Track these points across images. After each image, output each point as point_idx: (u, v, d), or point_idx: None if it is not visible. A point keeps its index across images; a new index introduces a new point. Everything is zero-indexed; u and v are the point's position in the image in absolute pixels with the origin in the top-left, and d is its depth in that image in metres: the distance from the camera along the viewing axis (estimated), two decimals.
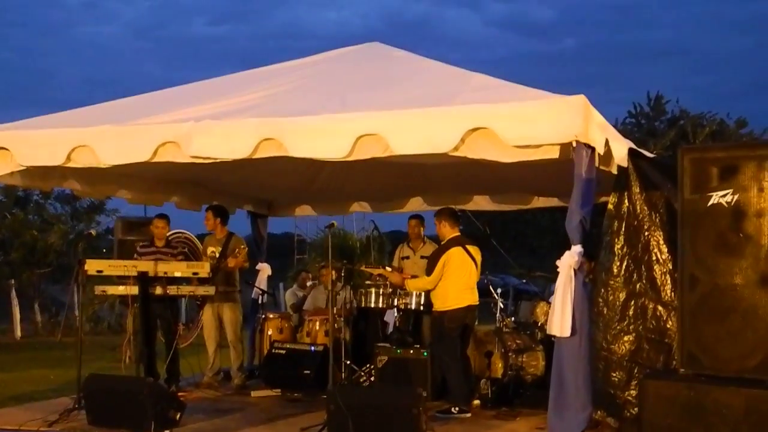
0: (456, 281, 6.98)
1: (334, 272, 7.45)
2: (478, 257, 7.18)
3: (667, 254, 5.66)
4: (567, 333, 5.23)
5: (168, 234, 8.34)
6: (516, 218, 24.32)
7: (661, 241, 5.71)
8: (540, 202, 9.75)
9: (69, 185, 7.59)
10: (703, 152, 5.23)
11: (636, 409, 5.28)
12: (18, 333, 16.82)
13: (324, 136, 5.46)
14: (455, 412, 6.74)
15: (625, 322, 5.71)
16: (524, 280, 10.39)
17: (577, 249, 5.25)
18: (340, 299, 8.25)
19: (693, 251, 4.87)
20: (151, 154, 5.87)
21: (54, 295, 18.29)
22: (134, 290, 7.28)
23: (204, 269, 7.53)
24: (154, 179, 8.37)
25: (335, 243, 14.88)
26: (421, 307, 7.60)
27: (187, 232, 11.47)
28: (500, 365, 7.58)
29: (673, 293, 5.52)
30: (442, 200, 9.18)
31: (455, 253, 7.01)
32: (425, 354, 7.38)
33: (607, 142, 5.33)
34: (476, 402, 7.12)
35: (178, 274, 7.48)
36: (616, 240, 5.79)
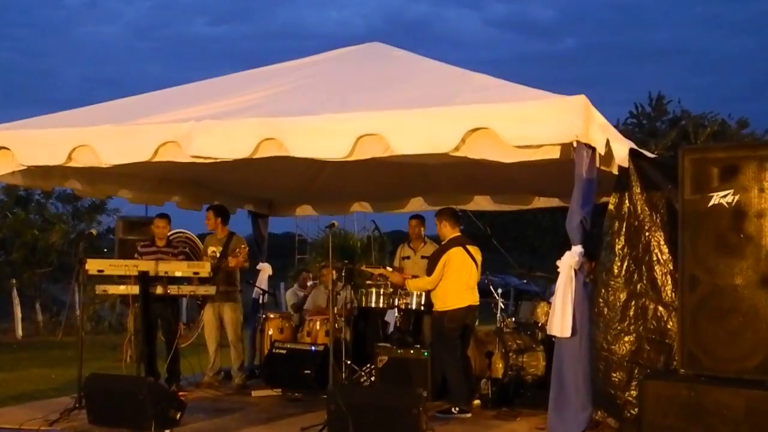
0: (456, 281, 6.98)
1: (334, 272, 7.45)
2: (479, 257, 7.18)
3: (668, 255, 5.66)
4: (567, 333, 5.23)
5: (169, 233, 8.34)
6: (517, 218, 24.34)
7: (662, 242, 5.71)
8: (541, 202, 9.75)
9: (70, 185, 7.60)
10: (703, 153, 5.23)
11: (636, 409, 5.28)
12: (19, 332, 16.84)
13: (324, 136, 5.46)
14: (455, 412, 6.74)
15: (626, 323, 5.71)
16: (525, 281, 10.38)
17: (577, 249, 5.25)
18: (341, 299, 8.25)
19: (693, 252, 4.87)
20: (151, 153, 5.88)
21: (55, 294, 18.32)
22: (135, 290, 7.27)
23: (205, 269, 7.53)
24: (155, 179, 8.37)
25: (336, 243, 14.92)
26: (422, 307, 7.60)
27: (188, 232, 11.47)
28: (501, 365, 7.58)
29: (673, 294, 5.52)
30: (443, 200, 9.18)
31: (456, 254, 7.01)
32: (426, 354, 7.37)
33: (607, 143, 5.33)
34: (476, 402, 7.12)
35: (178, 274, 7.47)
36: (617, 240, 5.79)
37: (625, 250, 5.79)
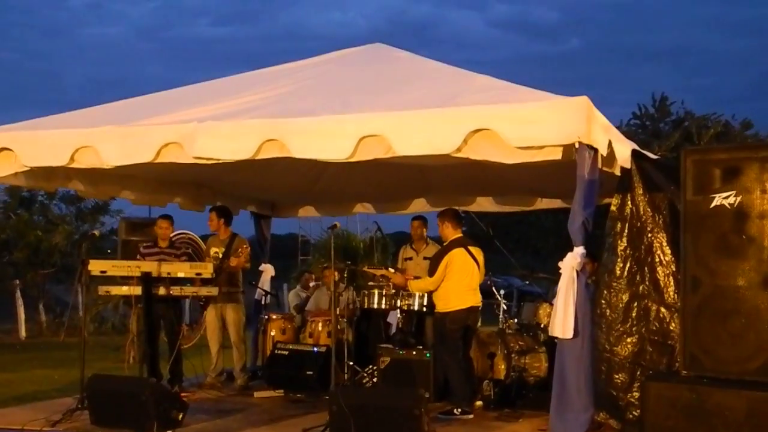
0: (458, 282, 6.97)
1: (336, 273, 7.46)
2: (481, 258, 7.18)
3: (671, 256, 5.66)
4: (569, 335, 5.22)
5: (172, 235, 8.35)
6: (520, 220, 24.30)
7: (664, 243, 5.71)
8: (543, 203, 9.75)
9: (73, 186, 7.61)
10: (705, 154, 5.22)
11: (638, 411, 5.27)
12: (23, 333, 16.89)
13: (327, 137, 5.46)
14: (458, 413, 6.73)
15: (628, 324, 5.71)
16: (527, 282, 10.37)
17: (579, 250, 5.24)
18: (343, 300, 8.25)
19: (695, 253, 4.86)
20: (154, 154, 5.88)
21: (58, 295, 18.36)
22: (138, 291, 7.28)
23: (207, 270, 7.53)
24: (158, 180, 8.38)
25: (339, 244, 14.94)
26: (424, 309, 7.59)
27: (191, 233, 11.47)
28: (503, 367, 7.57)
29: (676, 295, 5.51)
30: (446, 201, 9.17)
31: (457, 255, 7.01)
32: (428, 355, 7.37)
33: (610, 144, 5.33)
34: (479, 403, 7.11)
35: (181, 275, 7.47)
36: (619, 241, 5.79)
37: (628, 251, 5.79)
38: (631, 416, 5.49)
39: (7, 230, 17.50)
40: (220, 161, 5.80)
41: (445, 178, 8.64)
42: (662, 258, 5.70)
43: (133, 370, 7.73)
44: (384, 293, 7.88)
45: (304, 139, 5.53)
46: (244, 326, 8.49)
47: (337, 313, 7.42)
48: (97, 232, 11.43)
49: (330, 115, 5.58)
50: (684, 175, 4.93)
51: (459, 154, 5.24)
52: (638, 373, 5.58)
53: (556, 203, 9.51)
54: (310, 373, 7.83)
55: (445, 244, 7.23)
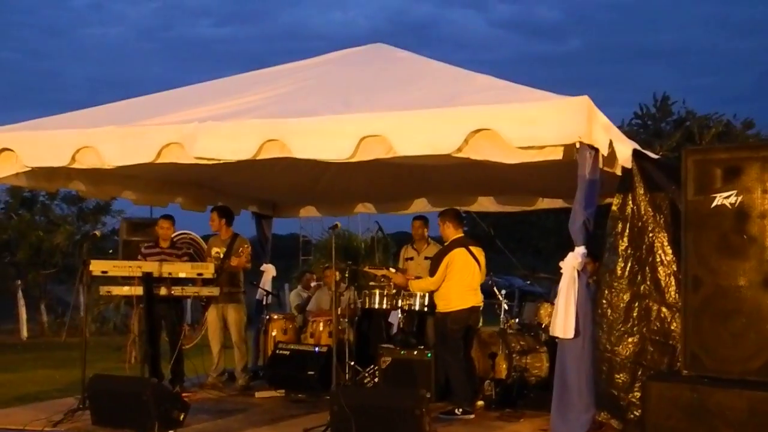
0: (459, 282, 6.97)
1: (338, 273, 7.46)
2: (482, 258, 7.18)
3: (672, 256, 5.64)
4: (570, 335, 5.22)
5: (173, 235, 8.36)
6: (521, 220, 24.26)
7: (666, 243, 5.70)
8: (545, 203, 9.75)
9: (74, 186, 7.61)
10: (706, 153, 5.21)
11: (640, 411, 5.26)
12: (24, 333, 16.91)
13: (327, 137, 5.47)
14: (459, 413, 6.73)
15: (629, 324, 5.70)
16: (528, 282, 10.38)
17: (580, 250, 5.24)
18: (344, 300, 8.25)
19: (696, 253, 4.85)
20: (155, 155, 5.89)
21: (60, 295, 18.39)
22: (139, 291, 7.30)
23: (208, 270, 7.54)
24: (159, 180, 8.39)
25: (340, 244, 14.94)
26: (425, 309, 7.58)
27: (192, 233, 11.48)
28: (504, 366, 7.57)
29: (677, 295, 5.50)
30: (447, 201, 9.17)
31: (458, 255, 7.01)
32: (429, 355, 7.37)
33: (611, 143, 5.32)
34: (480, 403, 7.11)
35: (182, 275, 7.49)
36: (620, 241, 5.78)
37: (629, 251, 5.78)
38: (632, 416, 5.48)
39: (9, 230, 17.53)
40: (221, 161, 5.80)
41: (446, 178, 8.64)
42: (663, 258, 5.69)
43: (134, 370, 7.74)
44: (385, 293, 7.88)
45: (304, 139, 5.53)
46: (245, 326, 8.50)
47: (339, 313, 7.41)
48: (98, 233, 11.45)
49: (331, 115, 5.58)
50: (685, 175, 4.92)
51: (460, 154, 5.24)
52: (639, 373, 5.57)
53: (558, 203, 9.51)
54: (312, 373, 7.83)
55: (446, 244, 7.23)
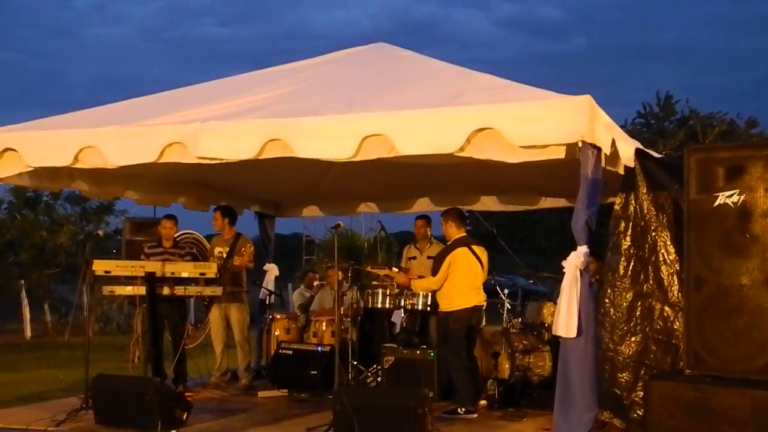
0: (461, 282, 6.98)
1: (340, 273, 7.46)
2: (484, 258, 7.17)
3: (675, 255, 5.64)
4: (573, 334, 5.22)
5: (176, 234, 8.36)
6: (525, 219, 24.27)
7: (668, 242, 5.69)
8: (547, 202, 9.73)
9: (77, 186, 7.62)
10: (709, 152, 5.21)
11: (642, 410, 5.25)
12: (28, 333, 16.93)
13: (330, 137, 5.47)
14: (461, 412, 6.73)
15: (632, 323, 5.70)
16: (531, 281, 10.37)
17: (582, 249, 5.23)
18: (347, 300, 8.26)
19: (699, 252, 4.85)
20: (157, 154, 5.89)
21: (63, 295, 18.40)
22: (142, 291, 7.31)
23: (211, 270, 7.55)
24: (162, 180, 8.39)
25: (343, 244, 14.95)
26: (428, 308, 7.58)
27: (196, 233, 11.51)
28: (507, 366, 7.56)
29: (680, 294, 5.49)
30: (450, 201, 9.16)
31: (460, 254, 7.01)
32: (432, 355, 7.37)
33: (613, 143, 5.32)
34: (483, 403, 7.11)
35: (185, 275, 7.50)
36: (623, 240, 5.78)
37: (632, 250, 5.77)
38: (635, 415, 5.48)
39: (13, 230, 17.54)
40: (224, 161, 5.80)
41: (448, 177, 8.63)
42: (666, 257, 5.69)
43: (137, 369, 7.76)
44: (388, 293, 7.88)
45: (307, 138, 5.53)
46: (248, 326, 8.50)
47: (341, 312, 7.42)
48: (101, 232, 11.43)
49: (333, 114, 5.58)
50: (687, 174, 4.92)
51: (462, 154, 5.23)
52: (642, 372, 5.57)
53: (560, 202, 9.50)
54: (314, 372, 7.84)
55: (448, 243, 7.23)
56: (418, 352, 7.51)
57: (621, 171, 5.73)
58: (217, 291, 7.80)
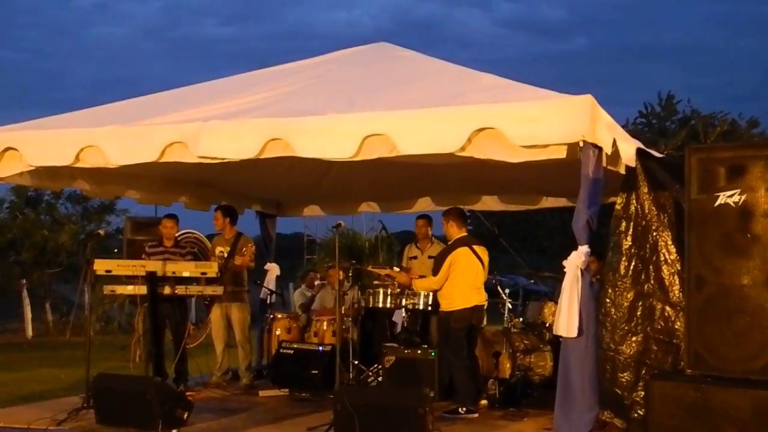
0: (462, 281, 6.97)
1: (341, 272, 7.46)
2: (485, 257, 7.17)
3: (676, 255, 5.63)
4: (573, 333, 5.21)
5: (178, 234, 8.36)
6: (526, 219, 24.27)
7: (669, 242, 5.69)
8: (549, 202, 9.73)
9: (78, 185, 7.63)
10: (710, 152, 5.20)
11: (643, 410, 5.25)
12: (29, 332, 16.93)
13: (330, 136, 5.46)
14: (462, 412, 6.73)
15: (633, 323, 5.69)
16: (532, 281, 10.38)
17: (583, 249, 5.23)
18: (348, 299, 8.26)
19: (700, 251, 4.85)
20: (158, 154, 5.89)
21: (65, 294, 18.41)
22: (143, 290, 7.31)
23: (212, 269, 7.55)
24: (163, 179, 8.40)
25: (344, 243, 14.94)
26: (429, 308, 7.59)
27: (197, 232, 11.50)
28: (508, 365, 7.56)
29: (681, 294, 5.49)
30: (451, 200, 9.16)
31: (461, 254, 7.01)
32: (433, 354, 7.37)
33: (614, 142, 5.31)
34: (484, 402, 7.11)
35: (186, 274, 7.50)
36: (624, 240, 5.78)
37: (633, 250, 5.77)
38: (635, 415, 5.47)
39: (14, 230, 17.55)
40: (225, 160, 5.80)
41: (449, 177, 8.64)
42: (667, 256, 5.68)
43: (138, 369, 7.76)
44: (389, 292, 7.88)
45: (308, 138, 5.53)
46: (249, 325, 8.50)
47: (342, 312, 7.42)
48: (102, 231, 11.43)
49: (334, 114, 5.58)
50: (688, 174, 4.91)
51: (463, 153, 5.23)
52: (643, 372, 5.56)
53: (562, 202, 9.50)
54: (315, 372, 7.84)
55: (449, 243, 7.23)
56: (419, 351, 7.51)
57: (622, 171, 5.73)
58: (218, 290, 7.80)
